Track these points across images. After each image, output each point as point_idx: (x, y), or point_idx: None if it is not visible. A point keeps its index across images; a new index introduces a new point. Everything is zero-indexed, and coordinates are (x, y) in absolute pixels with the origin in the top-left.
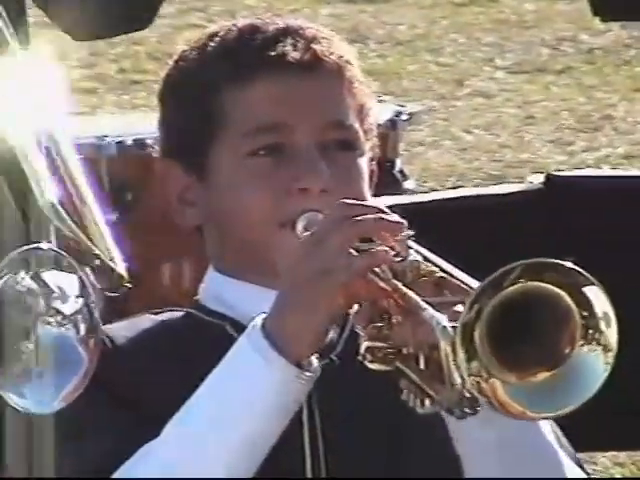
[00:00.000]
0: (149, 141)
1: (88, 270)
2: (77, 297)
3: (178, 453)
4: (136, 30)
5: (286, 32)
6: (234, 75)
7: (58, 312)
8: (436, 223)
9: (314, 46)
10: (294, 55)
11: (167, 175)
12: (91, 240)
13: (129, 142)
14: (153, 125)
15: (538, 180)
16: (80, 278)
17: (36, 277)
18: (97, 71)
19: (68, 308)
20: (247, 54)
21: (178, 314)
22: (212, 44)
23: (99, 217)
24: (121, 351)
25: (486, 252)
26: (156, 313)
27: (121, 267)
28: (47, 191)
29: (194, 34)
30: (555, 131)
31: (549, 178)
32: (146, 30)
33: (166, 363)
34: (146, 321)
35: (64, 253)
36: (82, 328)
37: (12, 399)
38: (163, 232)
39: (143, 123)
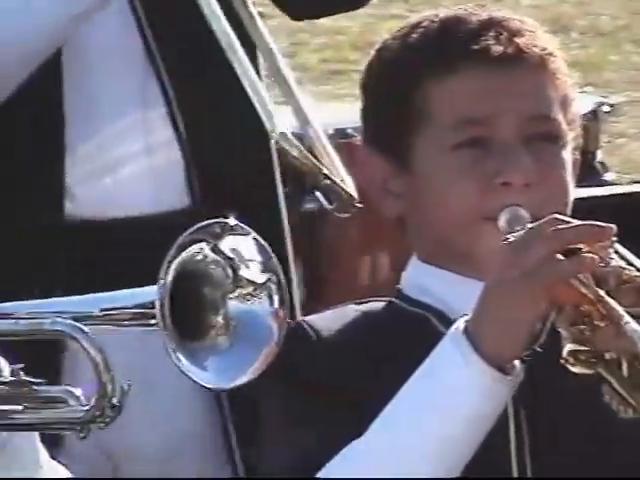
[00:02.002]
0: (349, 131)
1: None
2: (263, 268)
3: (381, 454)
4: (352, 9)
5: (489, 24)
6: (437, 67)
7: (250, 282)
8: (637, 215)
9: (517, 39)
10: (497, 48)
11: (369, 165)
12: (320, 162)
13: (330, 132)
14: (354, 115)
15: None
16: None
17: (216, 249)
18: (298, 61)
19: (258, 277)
20: (450, 46)
21: (381, 304)
22: (415, 35)
23: (327, 143)
24: (326, 345)
25: None
26: (359, 303)
27: (351, 187)
28: (279, 120)
29: (396, 24)
30: None
31: None
32: (348, 20)
33: (371, 358)
34: (350, 312)
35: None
36: (275, 300)
37: (192, 372)
38: (362, 223)
39: (344, 113)
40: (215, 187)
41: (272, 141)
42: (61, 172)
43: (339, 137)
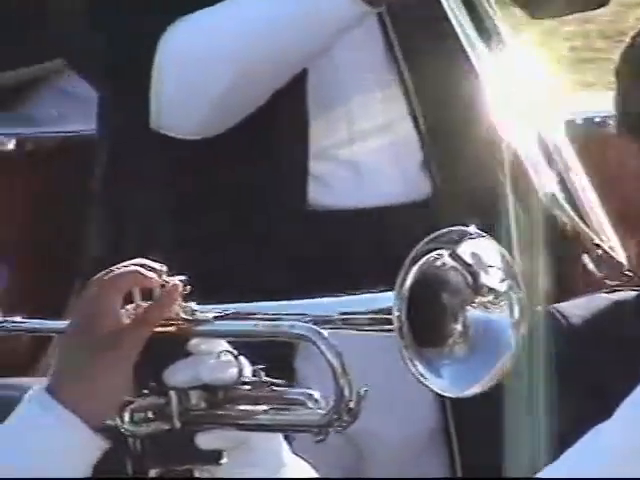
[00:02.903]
0: (598, 119)
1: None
2: (504, 276)
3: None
4: (594, 9)
5: None
6: None
7: (490, 290)
8: None
9: None
10: None
11: (626, 153)
12: (589, 227)
13: (579, 121)
14: (604, 103)
15: None
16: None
17: (455, 255)
18: (548, 50)
19: (499, 285)
20: None
21: (632, 293)
22: None
23: (595, 204)
24: (574, 331)
25: None
26: (610, 292)
27: (620, 255)
28: (546, 182)
29: None
30: None
31: None
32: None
33: (620, 346)
34: (600, 300)
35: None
36: (515, 310)
37: (427, 378)
38: None
39: (593, 101)
40: (451, 176)
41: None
42: (305, 159)
43: (589, 126)
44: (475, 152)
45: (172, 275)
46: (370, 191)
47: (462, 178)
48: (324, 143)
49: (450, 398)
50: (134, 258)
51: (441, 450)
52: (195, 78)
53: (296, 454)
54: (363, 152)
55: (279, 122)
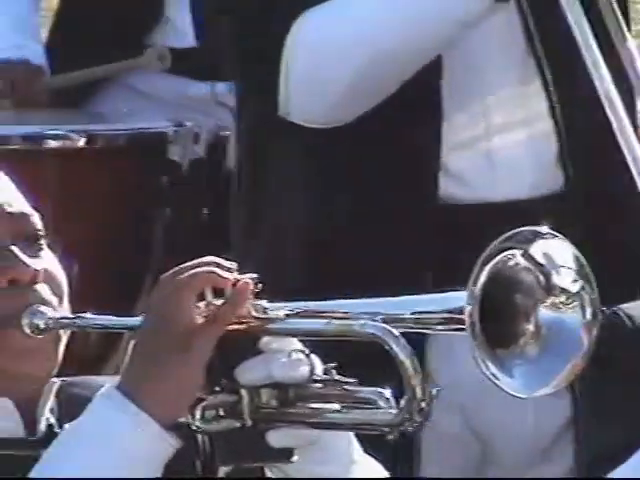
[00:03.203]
0: None
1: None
2: (577, 276)
3: None
4: None
5: None
6: None
7: (562, 290)
8: None
9: None
10: None
11: None
12: None
13: None
14: None
15: None
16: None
17: (527, 255)
18: None
19: (572, 286)
20: None
21: None
22: None
23: None
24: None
25: None
26: None
27: None
28: None
29: None
30: None
31: None
32: None
33: None
34: None
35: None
36: (587, 311)
37: (498, 378)
38: None
39: None
40: (585, 172)
41: None
42: (438, 152)
43: None
44: (610, 149)
45: (243, 274)
46: (503, 184)
47: (596, 174)
48: (459, 137)
49: (581, 389)
50: (268, 241)
51: (569, 442)
52: (325, 65)
53: (368, 453)
54: (499, 146)
55: (413, 115)
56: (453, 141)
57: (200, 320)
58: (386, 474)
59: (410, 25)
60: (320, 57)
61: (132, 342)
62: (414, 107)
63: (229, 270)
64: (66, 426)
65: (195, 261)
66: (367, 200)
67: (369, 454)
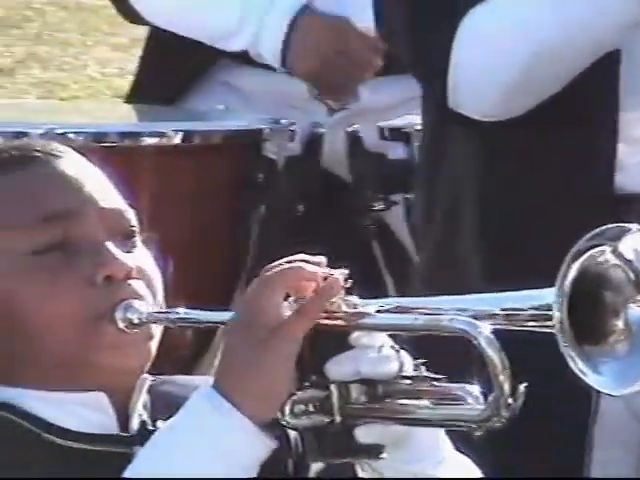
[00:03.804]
0: None
1: None
2: None
3: None
4: None
5: None
6: None
7: None
8: None
9: None
10: None
11: None
12: None
13: None
14: None
15: None
16: None
17: (617, 252)
18: None
19: None
20: None
21: None
22: None
23: None
24: None
25: None
26: None
27: None
28: None
29: None
30: None
31: None
32: None
33: None
34: None
35: None
36: None
37: (586, 374)
38: None
39: None
40: None
41: None
42: (615, 145)
43: None
44: None
45: (334, 268)
46: None
47: None
48: (634, 131)
49: None
50: (442, 225)
51: None
52: (492, 58)
53: (460, 451)
54: None
55: (589, 107)
56: (627, 135)
57: (288, 314)
58: (478, 472)
59: (570, 26)
60: (486, 51)
61: (223, 340)
62: (591, 99)
63: (318, 265)
64: (159, 424)
65: (284, 259)
66: (545, 188)
67: (460, 451)
